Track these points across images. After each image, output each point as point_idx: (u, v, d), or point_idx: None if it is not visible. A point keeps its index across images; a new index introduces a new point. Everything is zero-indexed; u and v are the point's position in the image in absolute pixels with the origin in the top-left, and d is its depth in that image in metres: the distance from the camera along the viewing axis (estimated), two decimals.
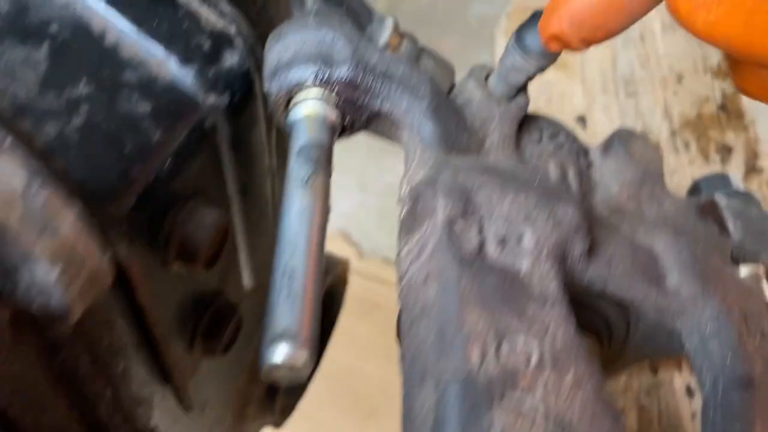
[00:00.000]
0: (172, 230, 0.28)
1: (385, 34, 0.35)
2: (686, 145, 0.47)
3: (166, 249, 0.29)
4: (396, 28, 0.36)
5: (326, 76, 0.27)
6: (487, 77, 0.32)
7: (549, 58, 0.29)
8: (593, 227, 0.28)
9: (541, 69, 0.30)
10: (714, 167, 0.46)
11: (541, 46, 0.29)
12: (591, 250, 0.26)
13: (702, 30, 0.26)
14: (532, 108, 0.52)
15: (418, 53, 0.37)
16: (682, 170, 0.46)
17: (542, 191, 0.26)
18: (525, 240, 0.24)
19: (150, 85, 0.27)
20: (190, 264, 0.29)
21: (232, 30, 0.30)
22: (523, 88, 0.32)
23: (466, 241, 0.23)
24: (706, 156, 0.46)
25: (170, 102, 0.27)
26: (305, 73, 0.27)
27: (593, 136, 0.48)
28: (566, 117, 0.49)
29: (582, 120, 0.48)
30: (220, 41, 0.29)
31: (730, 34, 0.25)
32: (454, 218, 0.24)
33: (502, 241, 0.24)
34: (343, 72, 0.27)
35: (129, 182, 0.25)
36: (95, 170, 0.25)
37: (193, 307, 0.35)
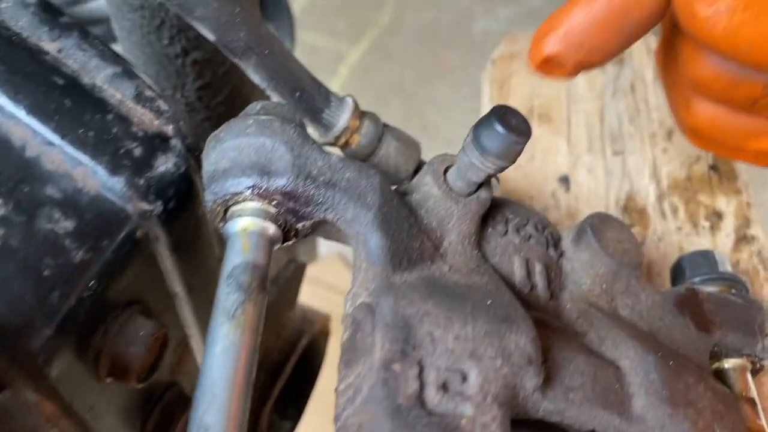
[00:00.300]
0: (102, 347, 0.27)
1: (343, 118, 0.33)
2: (674, 211, 0.45)
3: (97, 366, 0.27)
4: (355, 110, 0.34)
5: (263, 188, 0.25)
6: (447, 170, 0.30)
7: (509, 159, 0.27)
8: (552, 350, 0.26)
9: (501, 169, 0.28)
10: (703, 235, 0.43)
11: (500, 148, 0.27)
12: (547, 381, 0.24)
13: (721, 36, 0.24)
14: (514, 166, 0.50)
15: (381, 133, 0.35)
16: (669, 237, 0.44)
17: (493, 315, 0.24)
18: (470, 381, 0.22)
19: (74, 200, 0.25)
20: (123, 380, 0.28)
21: (168, 130, 0.28)
22: (485, 183, 0.30)
23: (404, 387, 0.21)
24: (695, 223, 0.44)
25: (96, 216, 0.25)
26: (241, 184, 0.25)
27: (575, 199, 0.46)
28: (548, 177, 0.47)
29: (565, 180, 0.46)
30: (154, 145, 0.27)
31: (755, 40, 0.23)
32: (392, 360, 0.22)
33: (443, 386, 0.22)
34: (281, 183, 0.25)
35: (47, 311, 0.24)
36: (9, 301, 0.23)
37: (140, 404, 0.33)
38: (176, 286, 0.31)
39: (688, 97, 0.31)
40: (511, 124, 0.27)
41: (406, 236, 0.27)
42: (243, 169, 0.25)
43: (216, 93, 0.48)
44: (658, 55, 0.32)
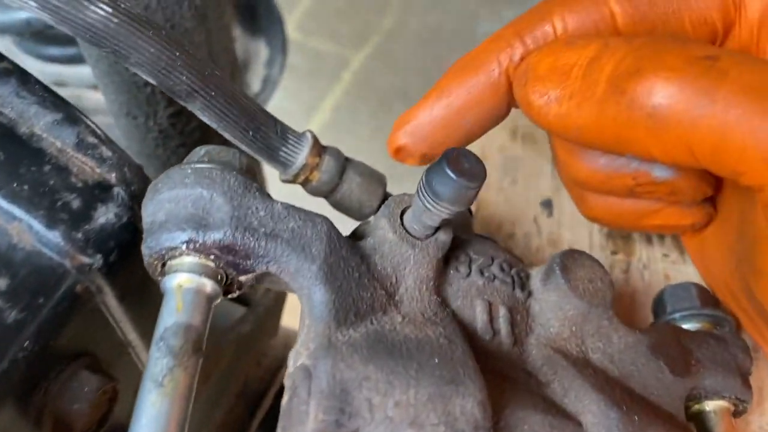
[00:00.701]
0: (44, 405, 0.26)
1: (301, 155, 0.32)
2: (661, 237, 0.43)
3: (39, 424, 0.26)
4: (314, 146, 0.33)
5: (200, 242, 0.24)
6: (405, 211, 0.29)
7: (462, 204, 0.26)
8: (506, 409, 0.24)
9: (456, 214, 0.27)
10: (690, 262, 0.41)
11: (452, 193, 0.26)
12: None
13: (554, 122, 0.27)
14: (495, 189, 0.48)
15: (343, 168, 0.34)
16: (654, 265, 0.42)
17: (439, 376, 0.23)
18: None
19: (8, 256, 0.24)
20: None
21: (111, 178, 0.27)
22: (443, 225, 0.29)
23: None
24: (682, 249, 0.42)
25: (31, 273, 0.25)
26: (177, 238, 0.24)
27: (558, 224, 0.44)
28: (530, 201, 0.46)
29: (548, 205, 0.44)
30: (94, 195, 0.26)
31: (581, 125, 0.26)
32: (325, 431, 0.21)
33: None
34: (218, 236, 0.24)
35: None
36: None
37: None
38: (130, 334, 0.30)
39: (580, 193, 0.34)
40: (463, 168, 0.26)
41: (355, 287, 0.26)
42: (178, 223, 0.24)
43: (189, 119, 0.47)
44: (553, 157, 0.35)
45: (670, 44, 0.25)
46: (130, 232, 0.27)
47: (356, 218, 0.35)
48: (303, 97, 1.66)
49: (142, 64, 0.26)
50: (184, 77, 0.27)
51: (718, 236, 0.35)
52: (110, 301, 0.28)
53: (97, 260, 0.26)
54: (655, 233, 0.41)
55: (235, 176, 0.26)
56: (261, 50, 0.88)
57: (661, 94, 0.24)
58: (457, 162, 0.26)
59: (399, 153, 0.31)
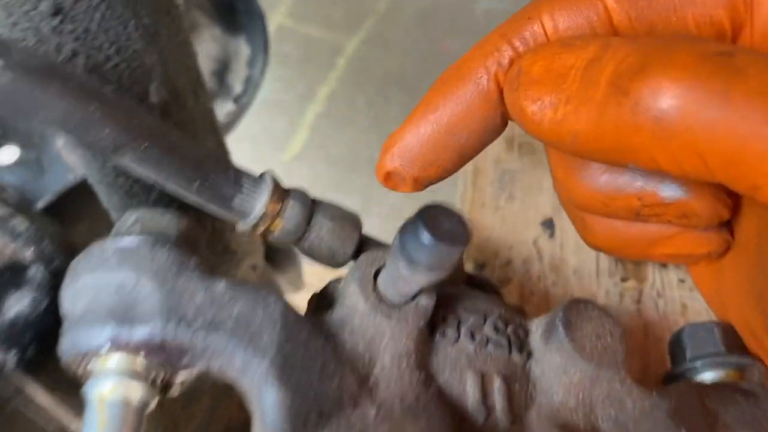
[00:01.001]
0: None
1: (259, 203, 0.28)
2: None
3: None
4: (274, 191, 0.28)
5: (125, 340, 0.20)
6: (378, 272, 0.25)
7: (443, 270, 0.22)
8: None
9: (435, 281, 0.22)
10: None
11: (429, 259, 0.21)
12: None
13: (548, 129, 0.25)
14: (491, 208, 0.44)
15: (310, 213, 0.30)
16: (669, 292, 0.38)
17: None
18: None
19: None
20: None
21: (26, 256, 0.23)
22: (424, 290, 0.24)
23: None
24: None
25: None
26: (98, 336, 0.20)
27: (561, 247, 0.40)
28: (530, 221, 0.41)
29: (549, 225, 0.40)
30: (3, 281, 0.22)
31: (579, 131, 0.24)
32: None
33: None
34: (146, 332, 0.20)
35: None
36: None
37: None
38: (71, 423, 0.26)
39: (581, 216, 0.31)
40: (442, 230, 0.21)
41: (318, 379, 0.22)
42: (99, 317, 0.20)
43: None
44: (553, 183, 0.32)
45: (678, 40, 0.23)
46: (52, 316, 0.23)
47: (330, 266, 0.31)
48: (296, 86, 1.61)
49: (53, 121, 0.22)
50: (107, 131, 0.23)
51: (735, 267, 0.31)
52: (37, 397, 0.24)
53: (11, 358, 0.22)
54: (660, 262, 0.37)
55: (168, 252, 0.21)
56: (242, 49, 0.84)
57: (670, 95, 0.21)
58: (434, 222, 0.21)
59: (389, 179, 0.28)
